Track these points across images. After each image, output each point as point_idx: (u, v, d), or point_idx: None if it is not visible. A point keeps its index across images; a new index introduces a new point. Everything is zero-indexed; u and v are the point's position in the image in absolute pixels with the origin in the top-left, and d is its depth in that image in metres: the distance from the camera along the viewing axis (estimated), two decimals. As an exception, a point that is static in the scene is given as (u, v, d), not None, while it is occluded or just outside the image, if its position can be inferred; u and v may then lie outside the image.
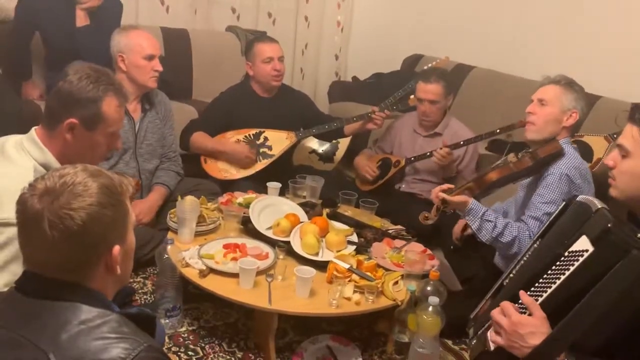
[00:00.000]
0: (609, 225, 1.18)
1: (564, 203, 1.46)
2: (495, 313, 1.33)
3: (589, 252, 1.19)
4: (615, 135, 2.51)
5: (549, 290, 1.26)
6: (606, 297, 1.14)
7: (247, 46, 3.01)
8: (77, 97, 1.58)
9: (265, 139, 2.89)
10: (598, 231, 1.20)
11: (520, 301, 1.31)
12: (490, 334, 1.34)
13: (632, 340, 1.17)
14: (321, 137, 3.27)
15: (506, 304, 1.32)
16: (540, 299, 1.27)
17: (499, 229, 1.96)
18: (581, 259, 1.20)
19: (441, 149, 2.69)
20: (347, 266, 1.95)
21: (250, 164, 2.85)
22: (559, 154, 2.00)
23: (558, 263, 1.27)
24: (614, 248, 1.15)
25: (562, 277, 1.23)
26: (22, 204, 0.99)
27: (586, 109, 2.07)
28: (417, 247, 2.22)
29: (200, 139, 2.84)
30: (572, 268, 1.21)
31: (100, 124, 1.62)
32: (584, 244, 1.22)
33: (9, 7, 3.02)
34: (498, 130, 2.65)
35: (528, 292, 1.31)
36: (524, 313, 1.28)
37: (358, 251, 2.15)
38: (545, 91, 2.08)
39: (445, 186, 2.08)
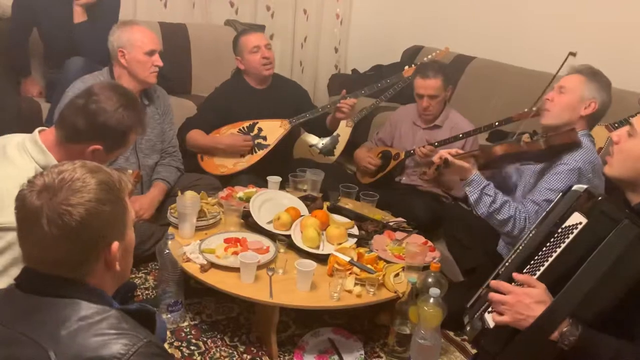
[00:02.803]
0: (600, 198, 1.25)
1: (560, 194, 1.47)
2: (494, 294, 1.34)
3: (582, 224, 1.25)
4: (616, 125, 2.50)
5: (546, 264, 1.30)
6: (602, 265, 1.21)
7: (233, 42, 3.01)
8: (111, 128, 1.60)
9: (260, 129, 2.90)
10: (590, 204, 1.27)
11: (515, 283, 1.33)
12: (492, 316, 1.35)
13: (628, 308, 1.22)
14: (311, 130, 3.27)
15: (502, 282, 1.35)
16: (538, 273, 1.31)
17: (497, 205, 1.97)
18: (575, 232, 1.26)
19: (424, 146, 2.67)
20: (348, 259, 1.95)
21: (248, 150, 2.86)
22: (574, 145, 1.95)
23: (552, 239, 1.32)
24: (607, 218, 1.23)
25: (558, 251, 1.28)
26: (21, 200, 0.99)
27: (608, 100, 2.01)
28: (418, 239, 2.22)
29: (195, 136, 2.85)
30: (567, 241, 1.27)
31: (120, 149, 1.70)
32: (577, 218, 1.28)
33: (6, 4, 3.01)
34: (496, 123, 2.63)
35: (524, 270, 1.35)
36: None
37: (359, 244, 2.15)
38: (568, 79, 2.04)
39: (454, 150, 2.08)
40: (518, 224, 1.95)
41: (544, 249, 1.33)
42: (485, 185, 1.99)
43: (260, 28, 4.11)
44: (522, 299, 1.27)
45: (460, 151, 2.09)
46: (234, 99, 2.92)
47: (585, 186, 1.35)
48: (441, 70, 2.77)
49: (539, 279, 1.30)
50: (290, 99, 3.02)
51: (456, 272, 2.36)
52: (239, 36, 2.97)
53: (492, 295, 1.34)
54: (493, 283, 1.36)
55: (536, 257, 1.35)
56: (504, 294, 1.31)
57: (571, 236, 1.26)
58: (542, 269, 1.30)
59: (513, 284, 1.33)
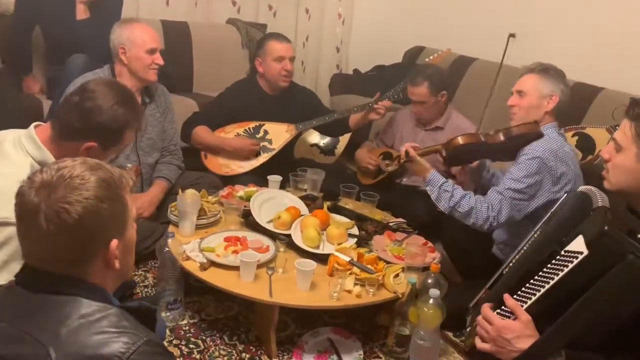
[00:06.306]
0: (605, 228, 1.16)
1: (565, 194, 1.46)
2: (480, 319, 1.34)
3: (583, 255, 1.17)
4: (617, 127, 2.50)
5: (542, 291, 1.25)
6: (599, 302, 1.13)
7: (259, 42, 2.99)
8: (106, 126, 1.57)
9: (265, 132, 2.88)
10: (594, 233, 1.17)
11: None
12: (477, 342, 1.35)
13: (623, 340, 1.17)
14: (326, 132, 3.24)
15: (486, 311, 1.33)
16: (534, 298, 1.27)
17: (456, 199, 2.05)
18: (575, 261, 1.18)
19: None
20: (348, 259, 1.95)
21: (255, 154, 2.84)
22: (535, 136, 2.02)
23: (553, 262, 1.26)
24: (609, 252, 1.13)
25: (556, 278, 1.21)
26: (20, 196, 0.98)
27: (567, 90, 2.11)
28: (418, 239, 2.22)
29: (201, 133, 2.82)
30: (565, 270, 1.19)
31: (116, 146, 1.67)
32: (579, 245, 1.19)
33: (9, 1, 3.01)
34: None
35: (523, 288, 1.31)
36: (510, 316, 1.29)
37: (359, 244, 2.15)
38: (523, 82, 2.13)
39: (417, 145, 2.23)
40: (480, 214, 2.02)
41: (544, 269, 1.27)
42: (443, 182, 2.09)
43: (263, 28, 4.12)
44: (503, 333, 1.26)
45: (418, 146, 2.22)
46: (245, 100, 2.90)
47: (600, 202, 1.27)
48: (429, 76, 2.75)
49: (533, 304, 1.26)
50: (300, 106, 2.97)
51: (456, 273, 2.36)
52: (267, 39, 2.90)
53: (478, 322, 1.34)
54: (482, 310, 1.35)
55: (536, 277, 1.29)
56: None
57: (570, 265, 1.18)
58: (537, 294, 1.25)
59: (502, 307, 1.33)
